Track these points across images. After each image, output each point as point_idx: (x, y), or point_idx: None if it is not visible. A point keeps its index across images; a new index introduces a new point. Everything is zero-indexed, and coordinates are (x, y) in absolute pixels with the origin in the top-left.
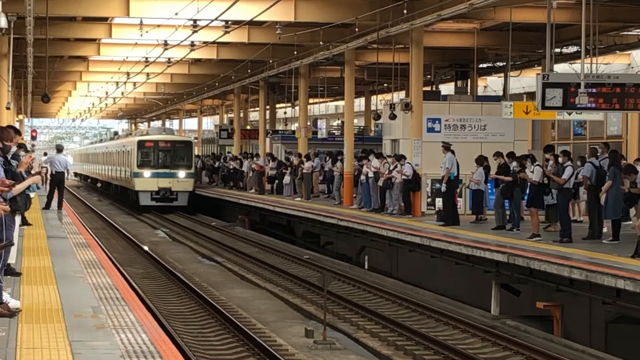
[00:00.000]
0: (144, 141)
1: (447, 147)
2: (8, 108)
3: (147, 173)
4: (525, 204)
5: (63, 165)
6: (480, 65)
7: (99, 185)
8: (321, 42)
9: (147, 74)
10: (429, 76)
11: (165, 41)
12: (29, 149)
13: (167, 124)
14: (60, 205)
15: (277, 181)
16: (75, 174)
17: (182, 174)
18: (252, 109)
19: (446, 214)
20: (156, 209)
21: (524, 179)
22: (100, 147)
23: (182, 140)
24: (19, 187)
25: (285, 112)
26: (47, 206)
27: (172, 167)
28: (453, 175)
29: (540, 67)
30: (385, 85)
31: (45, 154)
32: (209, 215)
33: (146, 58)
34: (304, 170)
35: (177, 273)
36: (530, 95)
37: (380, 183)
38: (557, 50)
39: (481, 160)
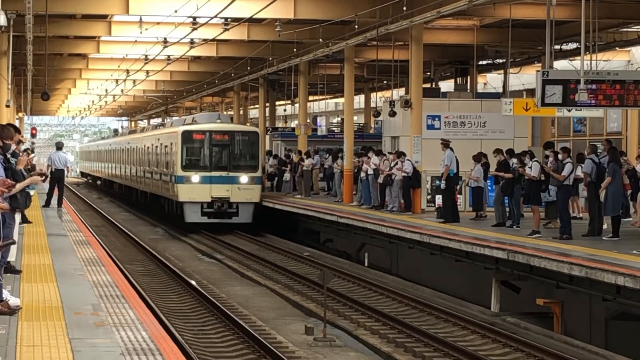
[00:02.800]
0: (192, 132)
1: (446, 144)
2: (8, 106)
3: (195, 177)
4: (523, 200)
5: (63, 163)
6: (480, 62)
7: (111, 189)
8: (321, 39)
9: (147, 72)
10: (428, 73)
11: (165, 39)
12: (27, 147)
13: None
14: (60, 203)
15: (276, 178)
16: (83, 174)
17: (244, 178)
18: (252, 107)
19: (446, 211)
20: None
21: (523, 175)
22: (117, 142)
23: (246, 130)
24: (19, 186)
25: (284, 110)
26: (47, 204)
27: (232, 168)
28: (452, 173)
29: (540, 64)
30: (385, 82)
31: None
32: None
33: (146, 55)
34: (304, 168)
35: (177, 270)
36: (530, 92)
37: (380, 180)
38: (557, 47)
39: (478, 158)
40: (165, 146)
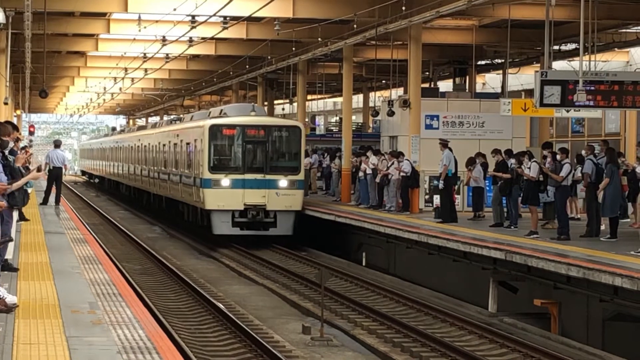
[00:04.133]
0: (221, 127)
1: (444, 144)
2: (6, 103)
3: (225, 181)
4: (521, 200)
5: (60, 161)
6: (479, 62)
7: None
8: (319, 39)
9: (145, 70)
10: (427, 73)
11: (164, 37)
12: (26, 144)
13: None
14: (57, 201)
15: None
16: (83, 172)
17: (284, 181)
18: None
19: (444, 211)
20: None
21: (521, 176)
22: (125, 139)
23: (285, 124)
24: (18, 183)
25: (283, 109)
26: (45, 201)
27: (269, 170)
28: (451, 173)
29: (538, 65)
30: (384, 81)
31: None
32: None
33: (144, 54)
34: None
35: (175, 269)
36: (529, 93)
37: (377, 180)
38: (556, 47)
39: (472, 161)
40: (188, 143)
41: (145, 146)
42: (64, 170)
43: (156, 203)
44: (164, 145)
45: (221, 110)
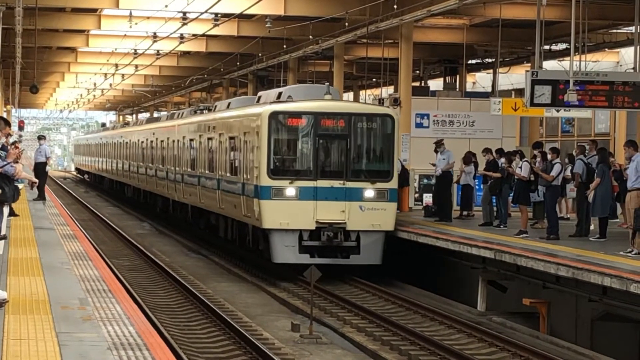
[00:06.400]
0: (287, 114)
1: (441, 143)
2: None
3: (290, 190)
4: (512, 200)
5: (44, 155)
6: (469, 62)
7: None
8: (311, 36)
9: (136, 66)
10: (417, 72)
11: (155, 33)
12: (16, 140)
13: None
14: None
15: None
16: (79, 171)
17: (370, 191)
18: None
19: (442, 208)
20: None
21: (512, 175)
22: (132, 133)
23: (374, 112)
24: (24, 175)
25: None
26: (42, 197)
27: (350, 175)
28: (452, 171)
29: (529, 64)
30: (374, 80)
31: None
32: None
33: (135, 50)
34: None
35: (164, 265)
36: (519, 92)
37: None
38: (547, 47)
39: (469, 159)
40: (231, 138)
41: (161, 142)
42: (47, 163)
43: (179, 211)
44: (191, 140)
45: (280, 94)
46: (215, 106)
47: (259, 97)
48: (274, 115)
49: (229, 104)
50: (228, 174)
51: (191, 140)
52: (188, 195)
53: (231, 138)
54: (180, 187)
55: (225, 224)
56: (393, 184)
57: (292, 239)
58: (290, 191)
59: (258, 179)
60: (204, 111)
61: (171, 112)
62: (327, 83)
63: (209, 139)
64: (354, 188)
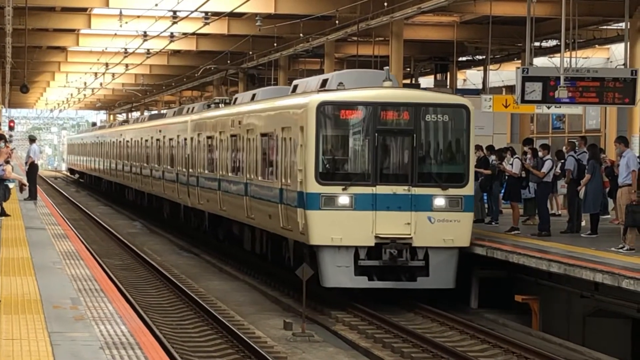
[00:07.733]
0: (339, 105)
1: None
2: None
3: (344, 198)
4: (503, 197)
5: (35, 156)
6: (460, 59)
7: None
8: (301, 35)
9: (126, 65)
10: (408, 69)
11: (145, 32)
12: (7, 139)
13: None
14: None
15: None
16: (72, 172)
17: (440, 199)
18: None
19: None
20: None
21: (502, 172)
22: (137, 131)
23: (447, 102)
24: (15, 175)
25: None
26: (34, 196)
27: (417, 179)
28: None
29: (519, 61)
30: None
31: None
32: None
33: (125, 49)
34: None
35: (155, 264)
36: (510, 89)
37: None
38: (537, 44)
39: None
40: (264, 135)
41: (170, 140)
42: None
43: (190, 218)
44: (209, 138)
45: (324, 81)
46: (236, 98)
47: (295, 87)
48: (323, 107)
49: (254, 95)
50: (260, 178)
51: (209, 137)
52: (205, 201)
53: (263, 135)
54: (195, 192)
55: (253, 235)
56: (469, 189)
57: (346, 258)
58: (344, 199)
59: (303, 184)
60: (220, 105)
61: (180, 107)
62: (387, 68)
63: (233, 136)
64: (421, 195)
